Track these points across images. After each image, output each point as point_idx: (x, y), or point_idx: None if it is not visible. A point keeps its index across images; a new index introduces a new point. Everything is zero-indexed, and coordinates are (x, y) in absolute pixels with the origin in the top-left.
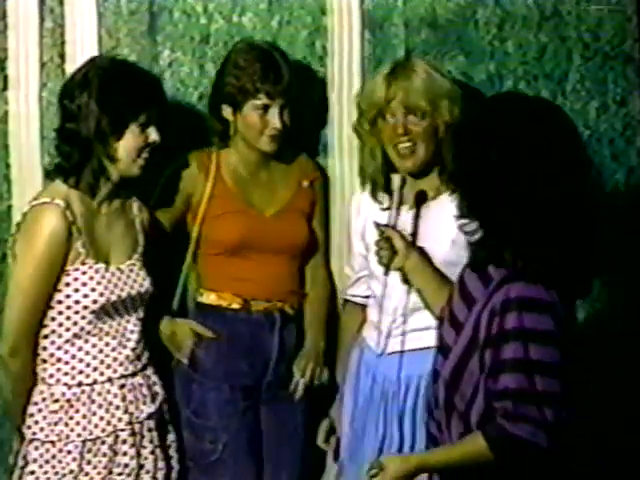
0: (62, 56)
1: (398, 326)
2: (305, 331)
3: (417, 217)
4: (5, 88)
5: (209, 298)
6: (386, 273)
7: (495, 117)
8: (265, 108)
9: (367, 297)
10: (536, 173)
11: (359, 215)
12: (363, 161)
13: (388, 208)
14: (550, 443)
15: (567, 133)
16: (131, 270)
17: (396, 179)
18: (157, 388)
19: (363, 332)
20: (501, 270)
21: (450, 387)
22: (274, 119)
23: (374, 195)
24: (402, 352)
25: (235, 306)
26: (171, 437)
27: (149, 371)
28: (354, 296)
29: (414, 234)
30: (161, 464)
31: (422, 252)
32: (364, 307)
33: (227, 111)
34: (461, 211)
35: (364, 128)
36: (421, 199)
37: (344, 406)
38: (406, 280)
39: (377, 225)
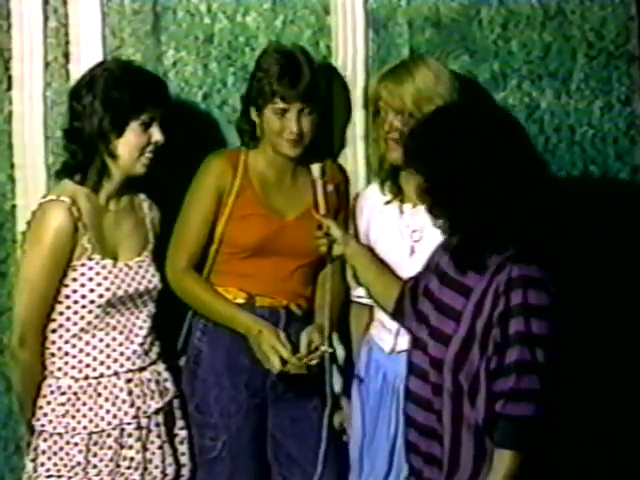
0: (66, 56)
1: None
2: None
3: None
4: (9, 88)
5: None
6: (331, 261)
7: (447, 129)
8: (283, 112)
9: None
10: (497, 175)
11: (362, 215)
12: (371, 152)
13: (390, 201)
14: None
15: (505, 131)
16: (140, 267)
17: (315, 168)
18: (167, 384)
19: (371, 330)
20: (495, 257)
21: (456, 371)
22: (290, 123)
23: (382, 186)
24: None
25: (240, 300)
26: (182, 433)
27: (159, 367)
28: (360, 297)
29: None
30: (170, 459)
31: (359, 241)
32: (371, 308)
33: (254, 113)
34: (436, 221)
35: (370, 120)
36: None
37: (353, 406)
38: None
39: (317, 216)
